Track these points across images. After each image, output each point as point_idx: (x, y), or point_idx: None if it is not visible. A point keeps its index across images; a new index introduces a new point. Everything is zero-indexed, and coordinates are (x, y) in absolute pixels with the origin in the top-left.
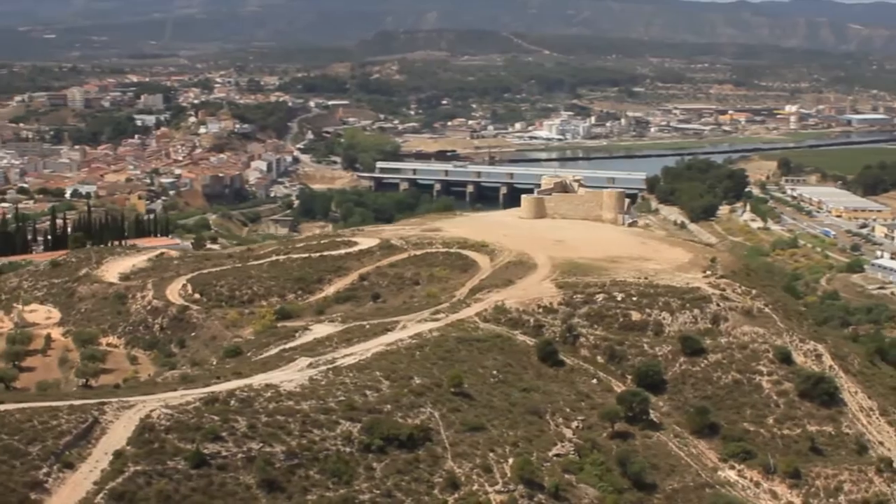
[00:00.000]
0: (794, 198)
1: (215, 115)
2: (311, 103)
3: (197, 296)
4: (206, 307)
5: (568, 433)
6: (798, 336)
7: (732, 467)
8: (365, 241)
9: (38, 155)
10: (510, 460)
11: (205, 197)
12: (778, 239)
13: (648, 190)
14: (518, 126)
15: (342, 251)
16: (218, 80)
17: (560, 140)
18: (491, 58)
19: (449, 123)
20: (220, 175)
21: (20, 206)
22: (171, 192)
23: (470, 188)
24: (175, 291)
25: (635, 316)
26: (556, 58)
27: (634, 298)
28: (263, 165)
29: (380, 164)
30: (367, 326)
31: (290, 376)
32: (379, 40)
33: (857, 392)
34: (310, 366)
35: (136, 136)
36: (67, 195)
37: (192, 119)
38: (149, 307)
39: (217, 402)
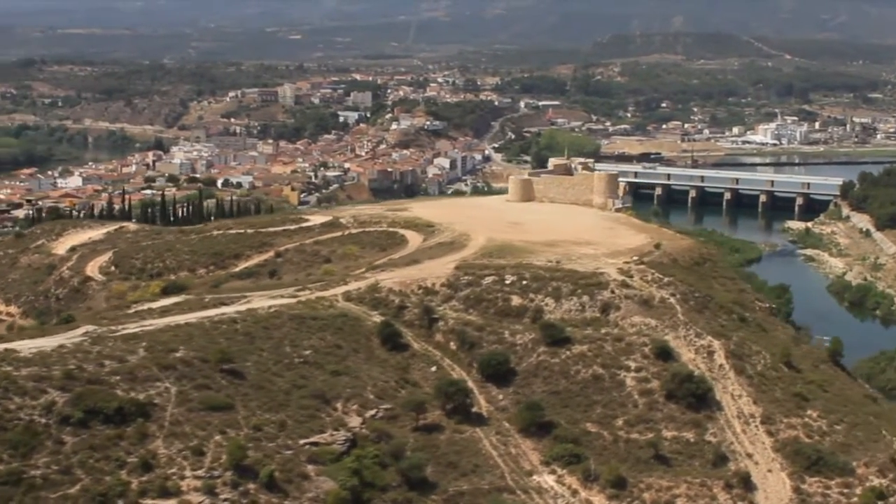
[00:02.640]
0: None
1: (410, 112)
2: (521, 103)
3: (112, 268)
4: (110, 280)
5: (354, 421)
6: (695, 331)
7: (553, 472)
8: (315, 219)
9: (232, 148)
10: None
11: (371, 191)
12: None
13: (842, 196)
14: (735, 130)
15: (279, 228)
16: (440, 79)
17: (774, 145)
18: (728, 62)
19: (664, 126)
20: (389, 170)
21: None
22: (335, 186)
23: (658, 191)
24: (98, 264)
25: (515, 301)
26: (796, 62)
27: (525, 282)
28: (446, 162)
29: None
30: (207, 300)
31: (54, 342)
32: (614, 43)
33: (741, 396)
34: (85, 333)
35: (333, 132)
36: (219, 184)
37: (389, 116)
38: (58, 279)
39: None
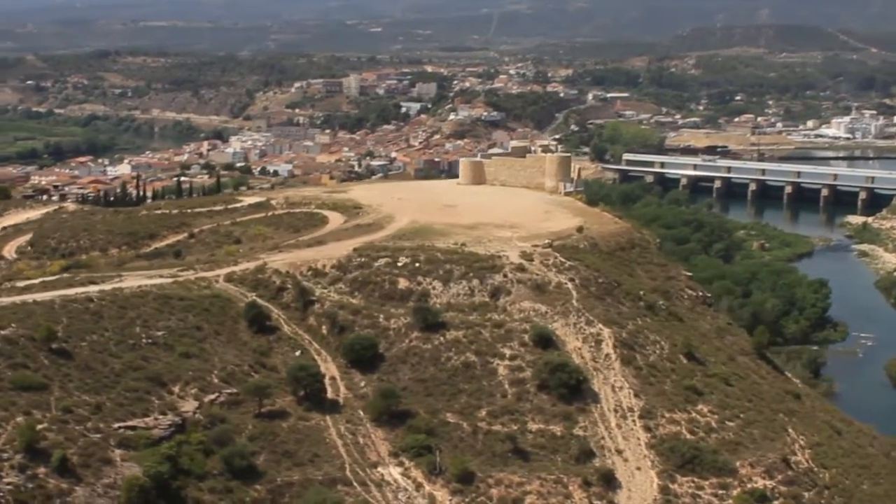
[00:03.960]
0: None
1: (470, 102)
2: (589, 95)
3: (29, 248)
4: (20, 259)
5: (188, 406)
6: (587, 318)
7: (401, 464)
8: (247, 199)
9: (290, 138)
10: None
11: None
12: None
13: None
14: (810, 124)
15: (207, 208)
16: (512, 71)
17: (847, 139)
18: (810, 55)
19: (735, 119)
20: (437, 160)
21: (194, 179)
22: (378, 175)
23: (717, 184)
24: (17, 244)
25: (402, 284)
26: (882, 56)
27: (417, 265)
28: (500, 153)
29: (626, 157)
30: (78, 278)
31: None
32: (694, 36)
33: (622, 388)
34: None
35: (393, 123)
36: (256, 173)
37: (448, 106)
38: None
39: None
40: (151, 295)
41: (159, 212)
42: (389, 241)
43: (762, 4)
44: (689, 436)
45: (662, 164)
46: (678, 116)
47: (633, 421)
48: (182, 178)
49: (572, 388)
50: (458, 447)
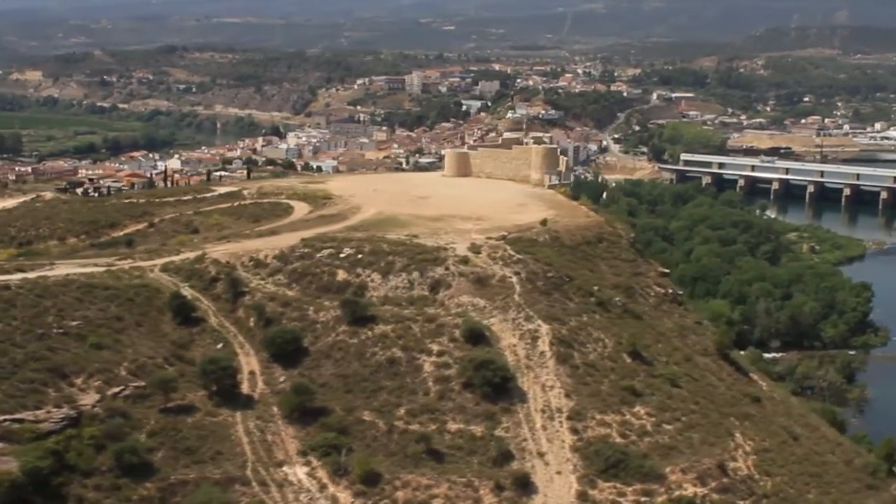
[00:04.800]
0: None
1: (529, 101)
2: (653, 95)
3: None
4: None
5: (88, 399)
6: (527, 313)
7: (308, 463)
8: (221, 189)
9: (347, 135)
10: None
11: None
12: None
13: None
14: (878, 126)
15: (175, 198)
16: (579, 70)
17: None
18: (886, 56)
19: (802, 121)
20: None
21: (233, 174)
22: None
23: (775, 185)
24: None
25: (341, 276)
26: None
27: (360, 257)
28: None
29: (684, 157)
30: (9, 265)
31: None
32: (768, 36)
33: (553, 388)
34: None
35: (452, 120)
36: (300, 168)
37: (508, 104)
38: None
39: None
40: (76, 284)
41: (127, 201)
42: (345, 231)
43: (840, 5)
44: (619, 439)
45: (720, 165)
46: (743, 117)
47: (560, 422)
48: (218, 172)
49: (497, 387)
50: (371, 447)
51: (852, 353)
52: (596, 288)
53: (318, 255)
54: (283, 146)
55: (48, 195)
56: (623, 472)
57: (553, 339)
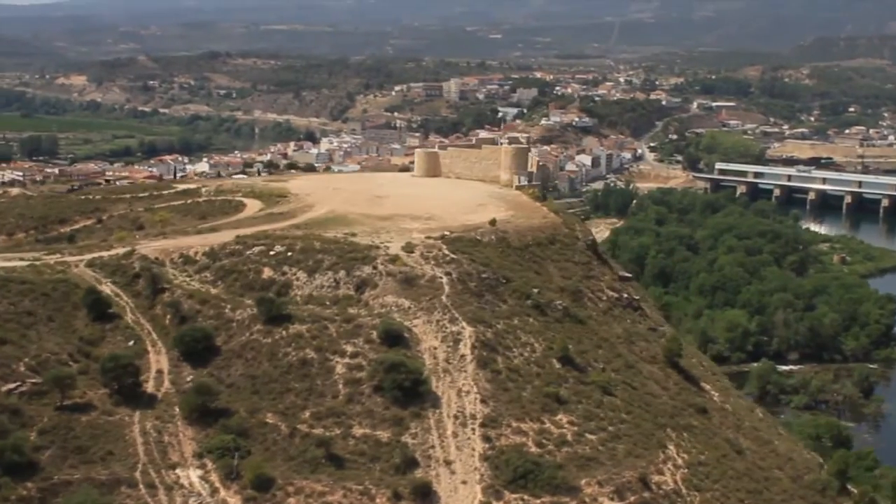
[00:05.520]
0: None
1: (564, 108)
2: (694, 104)
3: None
4: None
5: None
6: (452, 315)
7: (203, 466)
8: (181, 186)
9: (381, 141)
10: None
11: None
12: None
13: None
14: None
15: (130, 195)
16: (621, 79)
17: None
18: None
19: (846, 131)
20: None
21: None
22: None
23: (811, 195)
24: None
25: (266, 274)
26: None
27: (290, 254)
28: (588, 160)
29: (719, 166)
30: None
31: None
32: (816, 46)
33: (469, 393)
34: None
35: (486, 127)
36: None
37: (542, 111)
38: None
39: None
40: None
41: (83, 197)
42: (287, 229)
43: (894, 16)
44: (534, 448)
45: (756, 175)
46: (786, 127)
47: (473, 429)
48: (237, 175)
49: (408, 391)
50: (270, 450)
51: (873, 366)
52: (536, 290)
53: (248, 252)
54: (314, 151)
55: (14, 191)
56: (532, 484)
57: (476, 342)
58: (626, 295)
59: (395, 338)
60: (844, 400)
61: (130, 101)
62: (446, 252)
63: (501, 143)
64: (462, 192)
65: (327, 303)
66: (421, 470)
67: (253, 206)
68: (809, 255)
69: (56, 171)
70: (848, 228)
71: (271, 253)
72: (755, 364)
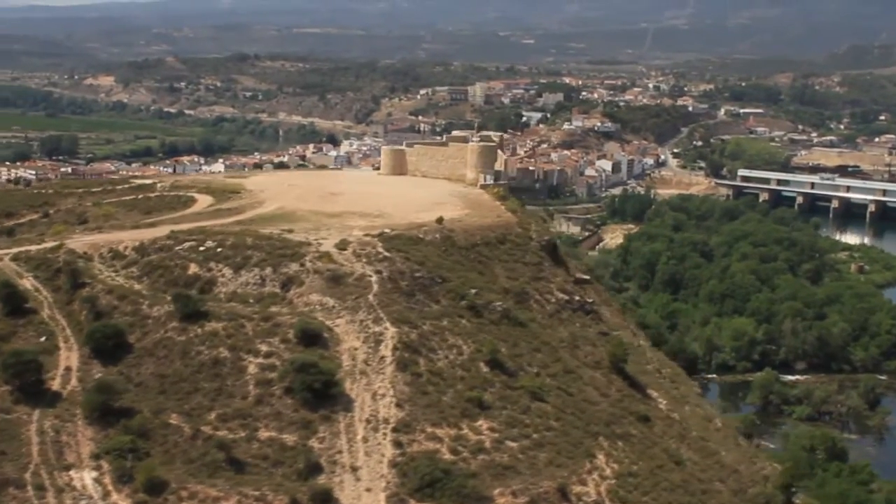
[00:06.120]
0: None
1: (587, 112)
2: (721, 111)
3: None
4: None
5: None
6: (377, 315)
7: (99, 468)
8: (138, 181)
9: (399, 144)
10: None
11: (510, 190)
12: None
13: None
14: None
15: (82, 189)
16: (651, 85)
17: None
18: None
19: (875, 140)
20: (531, 169)
21: None
22: None
23: (835, 203)
24: None
25: (192, 270)
26: None
27: (220, 250)
28: (608, 165)
29: (741, 173)
30: None
31: None
32: (850, 54)
33: (385, 396)
34: None
35: (509, 131)
36: None
37: (565, 116)
38: None
39: None
40: None
41: (36, 191)
42: (230, 225)
43: None
44: (448, 455)
45: (779, 182)
46: (814, 135)
47: (385, 434)
48: None
49: (318, 393)
50: (170, 452)
51: (882, 377)
52: (474, 291)
53: (178, 247)
54: (333, 153)
55: None
56: (440, 493)
57: (398, 344)
58: (577, 297)
59: (311, 337)
60: (849, 411)
61: (156, 102)
62: (381, 250)
63: (472, 142)
64: (423, 190)
65: (251, 300)
66: (325, 476)
67: (203, 201)
68: (825, 264)
69: (69, 170)
70: (871, 237)
71: (201, 249)
72: (760, 374)
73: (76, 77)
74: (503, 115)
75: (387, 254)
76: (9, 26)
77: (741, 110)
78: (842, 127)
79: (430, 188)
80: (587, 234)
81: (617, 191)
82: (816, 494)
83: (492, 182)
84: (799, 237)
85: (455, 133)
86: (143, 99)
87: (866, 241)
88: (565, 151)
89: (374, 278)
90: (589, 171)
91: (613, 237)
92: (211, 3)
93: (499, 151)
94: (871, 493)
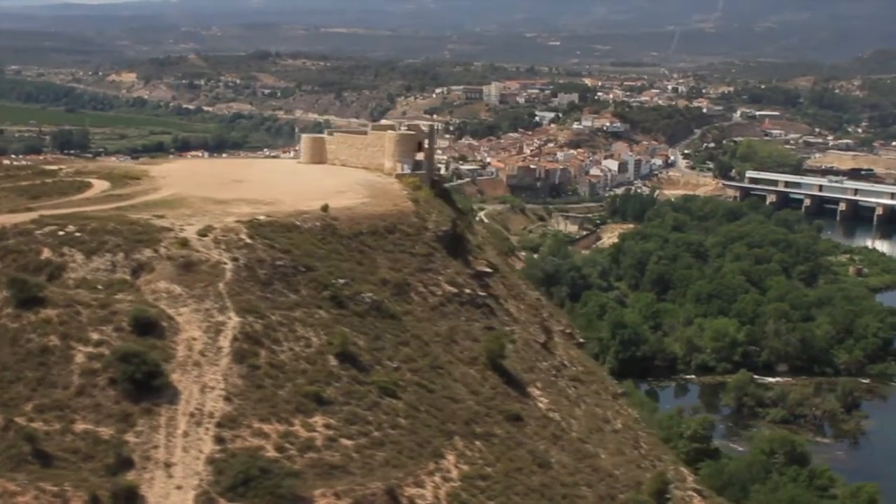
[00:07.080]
0: None
1: (598, 112)
2: (737, 113)
3: None
4: None
5: None
6: (223, 304)
7: None
8: (48, 167)
9: None
10: None
11: (510, 188)
12: None
13: None
14: None
15: None
16: (669, 86)
17: None
18: None
19: (893, 143)
20: (532, 167)
21: None
22: (465, 179)
23: (842, 206)
24: None
25: (45, 255)
26: None
27: (78, 234)
28: (614, 165)
29: (749, 174)
30: None
31: None
32: (875, 58)
33: (214, 389)
34: None
35: (520, 131)
36: None
37: (575, 116)
38: None
39: None
40: None
41: None
42: (111, 211)
43: None
44: (273, 452)
45: (786, 184)
46: (830, 138)
47: (207, 429)
48: None
49: (140, 384)
50: None
51: (864, 381)
52: (342, 281)
53: (38, 232)
54: None
55: None
56: (252, 492)
57: (238, 334)
58: (468, 291)
59: (146, 326)
60: (824, 415)
61: (176, 99)
62: (243, 237)
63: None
64: (332, 179)
65: (99, 287)
66: (135, 472)
67: (99, 187)
68: (821, 266)
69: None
70: (879, 240)
71: (60, 234)
72: (734, 375)
73: (100, 73)
74: (517, 114)
75: (248, 241)
76: (42, 23)
77: (757, 113)
78: (860, 130)
79: (341, 177)
80: (585, 232)
81: (621, 190)
82: (767, 499)
83: (408, 172)
84: (796, 239)
85: (383, 122)
86: (163, 95)
87: (873, 243)
88: (572, 151)
89: (228, 266)
90: (594, 171)
91: (611, 236)
92: (241, 2)
93: (424, 142)
94: (830, 498)
